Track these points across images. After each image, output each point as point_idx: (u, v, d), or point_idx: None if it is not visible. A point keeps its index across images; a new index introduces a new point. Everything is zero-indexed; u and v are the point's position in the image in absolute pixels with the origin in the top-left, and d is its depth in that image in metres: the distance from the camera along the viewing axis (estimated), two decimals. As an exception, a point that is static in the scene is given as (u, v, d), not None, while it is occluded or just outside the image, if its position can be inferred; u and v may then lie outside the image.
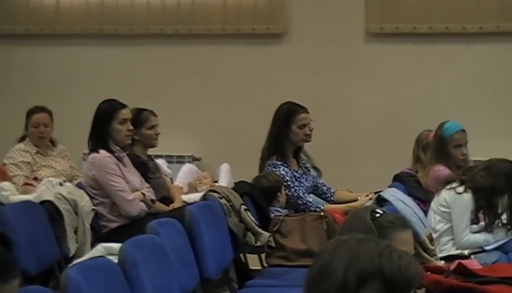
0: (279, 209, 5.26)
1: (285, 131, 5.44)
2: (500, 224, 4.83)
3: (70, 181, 5.58)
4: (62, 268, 4.42)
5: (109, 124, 5.08)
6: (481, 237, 4.79)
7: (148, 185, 5.22)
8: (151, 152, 5.62)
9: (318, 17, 6.81)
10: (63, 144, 6.20)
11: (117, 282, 3.25)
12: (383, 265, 1.75)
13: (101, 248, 3.51)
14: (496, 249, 4.80)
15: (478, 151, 5.93)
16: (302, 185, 5.44)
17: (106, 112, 5.11)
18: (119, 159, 5.10)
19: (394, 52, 6.73)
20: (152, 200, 5.15)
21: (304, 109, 5.50)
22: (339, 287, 1.74)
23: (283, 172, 5.37)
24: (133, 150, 5.38)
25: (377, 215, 2.62)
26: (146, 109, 5.49)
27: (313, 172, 5.72)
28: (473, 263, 4.39)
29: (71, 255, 4.69)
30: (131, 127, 5.15)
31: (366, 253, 1.77)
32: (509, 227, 4.83)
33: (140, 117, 5.38)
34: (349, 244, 1.80)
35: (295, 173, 5.45)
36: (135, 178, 5.16)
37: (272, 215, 5.18)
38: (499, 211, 4.80)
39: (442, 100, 6.58)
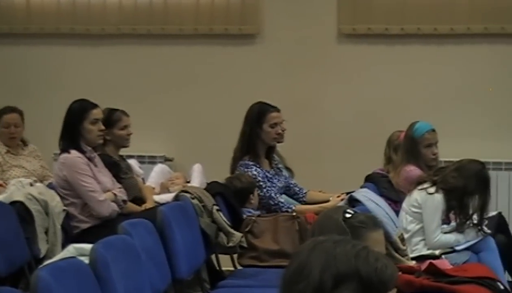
0: (251, 210, 5.26)
1: (257, 131, 5.44)
2: (471, 225, 4.86)
3: (41, 181, 5.54)
4: (32, 269, 4.37)
5: (81, 124, 5.05)
6: (452, 237, 4.82)
7: (119, 185, 5.20)
8: (123, 152, 5.59)
9: (291, 18, 6.82)
10: (34, 144, 6.16)
11: (88, 283, 3.23)
12: (360, 267, 1.76)
13: (72, 249, 3.48)
14: (466, 249, 4.83)
15: (449, 152, 5.97)
16: (274, 185, 5.44)
17: (78, 112, 5.08)
18: (90, 159, 5.08)
19: (366, 53, 6.75)
20: (123, 200, 5.13)
21: (275, 109, 5.50)
22: (315, 288, 1.75)
23: (255, 172, 5.37)
24: (105, 150, 5.35)
25: (349, 216, 2.62)
26: (118, 109, 5.47)
27: (285, 172, 5.73)
28: (444, 263, 4.41)
29: (41, 256, 4.65)
30: (102, 127, 5.13)
31: (342, 254, 1.77)
32: (479, 227, 4.86)
33: (112, 117, 5.36)
34: (326, 245, 1.80)
35: (267, 173, 5.45)
36: (106, 178, 5.13)
37: (244, 216, 5.18)
38: (470, 211, 4.83)
39: (414, 101, 6.62)
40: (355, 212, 2.67)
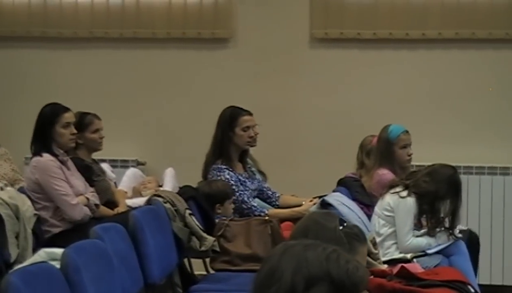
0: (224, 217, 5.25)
1: (229, 135, 5.44)
2: (442, 228, 4.90)
3: (12, 185, 5.50)
4: (2, 274, 4.33)
5: (52, 127, 5.03)
6: (423, 241, 4.84)
7: (92, 189, 5.18)
8: (95, 156, 5.57)
9: (264, 22, 6.83)
10: (5, 147, 6.10)
11: (59, 288, 3.21)
12: (331, 269, 1.77)
13: (43, 254, 3.46)
14: (438, 252, 4.86)
15: (421, 156, 6.00)
16: (247, 189, 5.45)
17: (49, 116, 5.06)
18: (62, 162, 5.05)
19: (338, 58, 6.77)
20: (96, 205, 5.11)
21: (247, 112, 5.51)
22: (287, 291, 1.76)
23: (227, 176, 5.37)
24: (77, 153, 5.33)
25: (344, 226, 2.63)
26: (89, 113, 5.45)
27: (258, 176, 5.73)
28: (416, 267, 4.44)
29: (12, 260, 4.61)
30: (74, 130, 5.11)
31: (314, 257, 1.79)
32: (451, 231, 4.89)
33: (83, 121, 5.35)
34: (297, 249, 1.81)
35: (240, 177, 5.45)
36: (79, 182, 5.11)
37: (216, 220, 5.18)
38: (441, 215, 4.87)
39: (386, 105, 6.65)
40: (345, 222, 2.68)
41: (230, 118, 5.47)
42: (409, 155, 5.56)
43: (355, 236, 2.63)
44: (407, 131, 5.57)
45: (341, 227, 2.64)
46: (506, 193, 6.50)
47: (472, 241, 5.29)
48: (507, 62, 6.60)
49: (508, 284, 6.53)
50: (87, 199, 5.04)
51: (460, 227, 5.13)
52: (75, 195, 4.99)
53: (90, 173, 5.29)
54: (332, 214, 2.85)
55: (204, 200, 5.22)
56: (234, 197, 5.33)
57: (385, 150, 5.50)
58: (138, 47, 6.96)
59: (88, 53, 7.01)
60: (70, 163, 5.13)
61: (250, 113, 5.53)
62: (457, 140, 6.60)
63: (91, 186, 5.21)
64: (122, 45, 6.95)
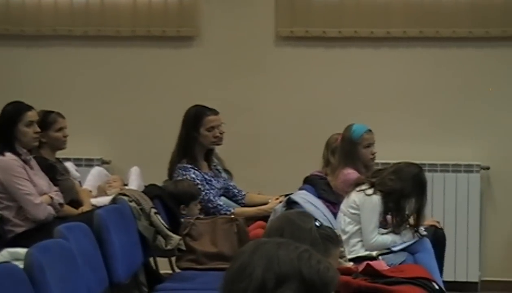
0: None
1: (194, 135, 5.42)
2: (407, 226, 4.92)
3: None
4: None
5: (15, 126, 4.98)
6: (388, 238, 4.87)
7: (56, 188, 5.13)
8: (59, 154, 5.52)
9: (229, 20, 6.82)
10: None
11: (23, 288, 3.17)
12: (302, 268, 1.79)
13: (6, 254, 3.43)
14: (403, 250, 4.89)
15: (386, 154, 6.04)
16: (212, 187, 5.43)
17: (12, 115, 5.01)
18: (26, 161, 5.00)
19: (304, 56, 6.78)
20: (60, 204, 5.06)
21: (212, 112, 5.49)
22: (257, 287, 1.77)
23: (193, 175, 5.36)
24: (41, 152, 5.28)
25: (319, 227, 2.63)
26: (53, 112, 5.40)
27: (224, 175, 5.72)
28: (381, 264, 4.46)
29: (-25, 261, 4.56)
30: (38, 129, 5.06)
31: (285, 255, 1.80)
32: (416, 229, 4.92)
33: (47, 120, 5.30)
34: (269, 246, 1.83)
35: (205, 176, 5.43)
36: (42, 181, 5.06)
37: (182, 219, 5.16)
38: (407, 213, 4.89)
39: (351, 103, 6.67)
40: (321, 224, 2.68)
41: (195, 118, 5.45)
42: (373, 154, 5.60)
43: (329, 238, 2.63)
44: (370, 130, 5.60)
45: (315, 226, 2.63)
46: (470, 190, 6.56)
47: (437, 237, 5.33)
48: (471, 60, 6.65)
49: (472, 280, 6.59)
50: (51, 198, 4.99)
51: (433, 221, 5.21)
52: (39, 194, 4.94)
53: (53, 172, 5.24)
54: (307, 214, 2.85)
55: (169, 198, 5.20)
56: (200, 197, 5.32)
57: (348, 150, 5.53)
58: (102, 45, 6.91)
59: (51, 51, 6.95)
60: (33, 162, 5.08)
61: (215, 113, 5.51)
62: (422, 138, 6.64)
63: (55, 185, 5.17)
64: (87, 43, 6.90)
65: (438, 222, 5.56)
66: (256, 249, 1.83)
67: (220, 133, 5.50)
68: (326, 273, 1.80)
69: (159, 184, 5.39)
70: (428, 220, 5.30)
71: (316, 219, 2.69)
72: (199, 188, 5.32)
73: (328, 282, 1.80)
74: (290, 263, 1.79)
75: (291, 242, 1.86)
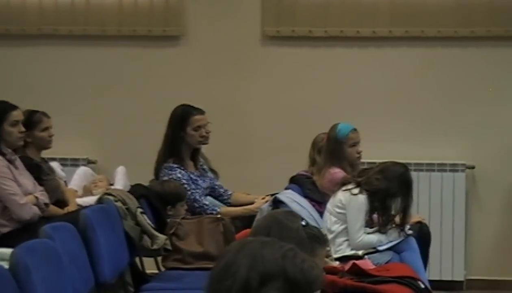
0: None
1: (181, 134, 5.42)
2: (393, 225, 4.93)
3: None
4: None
5: (0, 126, 4.95)
6: (374, 238, 4.88)
7: (41, 188, 5.11)
8: (44, 154, 5.50)
9: (215, 19, 6.81)
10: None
11: (8, 288, 3.16)
12: (286, 267, 1.79)
13: (-9, 254, 3.41)
14: (389, 249, 4.90)
15: (372, 153, 6.05)
16: (198, 187, 5.43)
17: (-3, 114, 4.98)
18: (11, 161, 4.98)
19: (290, 55, 6.79)
20: (45, 204, 5.04)
21: (199, 111, 5.49)
22: (241, 286, 1.77)
23: (179, 175, 5.35)
24: (26, 152, 5.26)
25: (305, 226, 2.63)
26: (38, 111, 5.38)
27: (210, 174, 5.72)
28: (367, 263, 4.47)
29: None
30: (23, 129, 5.04)
31: (270, 254, 1.80)
32: (401, 228, 4.93)
33: (32, 119, 5.28)
34: (254, 245, 1.83)
35: (191, 175, 5.43)
36: (27, 181, 5.04)
37: (168, 219, 5.16)
38: (392, 212, 4.90)
39: (337, 103, 6.68)
40: (307, 223, 2.68)
41: (181, 117, 5.45)
42: (359, 153, 5.61)
43: (316, 238, 2.63)
44: (355, 129, 5.61)
45: (302, 226, 2.63)
46: (456, 189, 6.58)
47: (423, 234, 5.34)
48: (456, 59, 6.68)
49: (457, 279, 6.61)
50: (36, 198, 4.97)
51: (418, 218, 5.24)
52: (24, 194, 4.92)
53: (39, 171, 5.22)
54: (294, 213, 2.85)
55: (156, 198, 5.19)
56: (186, 198, 5.31)
57: (334, 149, 5.54)
58: (88, 45, 6.89)
59: (36, 50, 6.92)
60: (18, 162, 5.06)
61: (202, 112, 5.51)
62: (408, 138, 6.66)
63: (40, 185, 5.15)
64: (72, 43, 6.87)
65: (424, 219, 5.57)
66: (241, 248, 1.83)
67: (207, 132, 5.50)
68: (311, 271, 1.80)
69: (145, 183, 5.38)
70: (414, 217, 5.31)
71: (303, 219, 2.69)
72: (185, 188, 5.32)
73: (313, 280, 1.80)
74: (274, 262, 1.79)
75: (276, 241, 1.87)
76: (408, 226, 4.97)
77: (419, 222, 5.42)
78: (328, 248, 4.34)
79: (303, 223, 2.66)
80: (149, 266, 5.21)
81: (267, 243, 1.84)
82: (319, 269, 1.84)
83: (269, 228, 2.60)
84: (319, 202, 5.42)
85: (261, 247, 1.82)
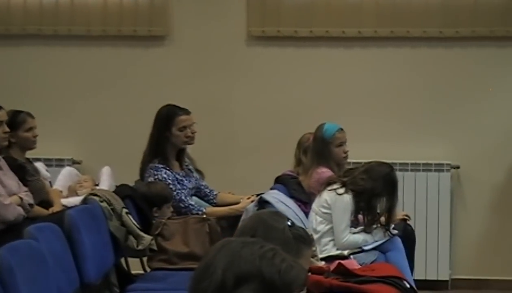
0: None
1: (166, 134, 5.41)
2: (379, 225, 4.94)
3: None
4: None
5: (-16, 127, 4.93)
6: (360, 237, 4.88)
7: (26, 189, 5.08)
8: (29, 154, 5.47)
9: (200, 19, 6.80)
10: None
11: (-8, 289, 3.15)
12: (263, 268, 1.76)
13: (-25, 255, 3.38)
14: (374, 249, 4.90)
15: (358, 153, 6.05)
16: (184, 187, 5.42)
17: (-19, 115, 4.95)
18: (-5, 162, 4.95)
19: (275, 55, 6.79)
20: (30, 204, 5.01)
21: (184, 111, 5.48)
22: (217, 287, 1.75)
23: (165, 175, 5.34)
24: (10, 152, 5.23)
25: (291, 227, 2.62)
26: (22, 111, 5.35)
27: (195, 174, 5.71)
28: (353, 263, 4.47)
29: None
30: (7, 129, 5.01)
31: (248, 254, 1.78)
32: (387, 227, 4.94)
33: (16, 119, 5.25)
34: (233, 245, 1.81)
35: (177, 175, 5.42)
36: (12, 181, 5.01)
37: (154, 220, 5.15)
38: (378, 212, 4.91)
39: (323, 103, 6.68)
40: (293, 223, 2.67)
41: (167, 118, 5.43)
42: (345, 152, 5.62)
43: (301, 238, 2.62)
44: (341, 129, 5.61)
45: (290, 227, 2.63)
46: (441, 189, 6.60)
47: (407, 234, 5.35)
48: (441, 60, 6.70)
49: (442, 278, 6.63)
50: (21, 198, 4.94)
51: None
52: (8, 194, 4.89)
53: (23, 172, 5.19)
54: (280, 214, 2.84)
55: (141, 199, 5.18)
56: (172, 199, 5.29)
57: (321, 149, 5.54)
58: (72, 45, 6.86)
59: (20, 50, 6.89)
60: (2, 162, 5.03)
61: (187, 112, 5.50)
62: (393, 138, 6.68)
63: (25, 185, 5.12)
64: (56, 42, 6.85)
65: (408, 216, 5.57)
66: (222, 248, 1.81)
67: (192, 133, 5.49)
68: (289, 272, 1.78)
69: (131, 184, 5.36)
70: (399, 213, 5.31)
71: (289, 219, 2.68)
72: (171, 188, 5.31)
73: (291, 281, 1.77)
74: (251, 262, 1.77)
75: (259, 241, 1.84)
76: (392, 226, 4.98)
77: (404, 220, 5.43)
78: (313, 248, 4.34)
79: (289, 223, 2.65)
80: (135, 266, 5.20)
81: (248, 244, 1.81)
82: (300, 269, 1.81)
83: (254, 229, 2.59)
84: (305, 202, 5.41)
85: (241, 247, 1.79)
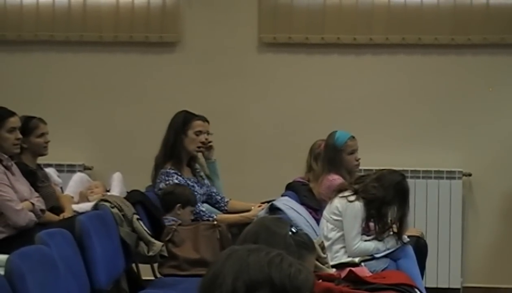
0: (173, 219, 5.20)
1: (181, 137, 5.42)
2: (391, 233, 4.93)
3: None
4: None
5: (-3, 132, 4.95)
6: (371, 245, 4.87)
7: (37, 195, 5.10)
8: (40, 160, 5.49)
9: (212, 26, 6.81)
10: None
11: (3, 294, 3.15)
12: (272, 274, 1.77)
13: (-14, 260, 3.40)
14: (385, 256, 4.89)
15: (369, 160, 6.04)
16: (195, 193, 5.42)
17: (-6, 120, 4.97)
18: (7, 167, 4.96)
19: (286, 62, 6.79)
20: (41, 210, 5.03)
21: (201, 117, 5.52)
22: None
23: (176, 181, 5.34)
24: (21, 158, 5.24)
25: (294, 233, 2.62)
26: (34, 117, 5.37)
27: (207, 181, 5.71)
28: (363, 271, 4.46)
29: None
30: (20, 135, 5.02)
31: (256, 262, 1.78)
32: (399, 236, 4.93)
33: (28, 125, 5.26)
34: (240, 253, 1.81)
35: (188, 181, 5.42)
36: (24, 187, 5.02)
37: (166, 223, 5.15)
38: (389, 220, 4.90)
39: (334, 110, 6.68)
40: (297, 230, 2.67)
41: (184, 120, 5.47)
42: (357, 160, 5.61)
43: (304, 245, 2.62)
44: (353, 137, 5.61)
45: (290, 232, 2.62)
46: (452, 196, 6.58)
47: (419, 246, 5.33)
48: (453, 67, 6.68)
49: (454, 287, 6.60)
50: (32, 204, 4.96)
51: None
52: (20, 200, 4.90)
53: (34, 178, 5.20)
54: (283, 220, 2.84)
55: (152, 204, 5.18)
56: (196, 206, 5.29)
57: (332, 157, 5.53)
58: (84, 51, 6.89)
59: (33, 56, 6.92)
60: (14, 168, 5.05)
61: (204, 119, 5.54)
62: (404, 145, 6.66)
63: (36, 191, 5.13)
64: (68, 49, 6.87)
65: (422, 233, 5.55)
66: (228, 257, 1.81)
67: (207, 140, 5.52)
68: (298, 276, 1.78)
69: (142, 189, 5.36)
70: (411, 230, 5.31)
71: (291, 225, 2.67)
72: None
73: (300, 285, 1.78)
74: (260, 269, 1.77)
75: (264, 247, 1.84)
76: (405, 236, 4.97)
77: (416, 236, 5.39)
78: (324, 255, 4.34)
79: (293, 229, 2.65)
80: (145, 272, 5.20)
81: (254, 251, 1.81)
82: (307, 272, 1.82)
83: (257, 234, 2.59)
84: (316, 209, 5.41)
85: (247, 255, 1.79)
